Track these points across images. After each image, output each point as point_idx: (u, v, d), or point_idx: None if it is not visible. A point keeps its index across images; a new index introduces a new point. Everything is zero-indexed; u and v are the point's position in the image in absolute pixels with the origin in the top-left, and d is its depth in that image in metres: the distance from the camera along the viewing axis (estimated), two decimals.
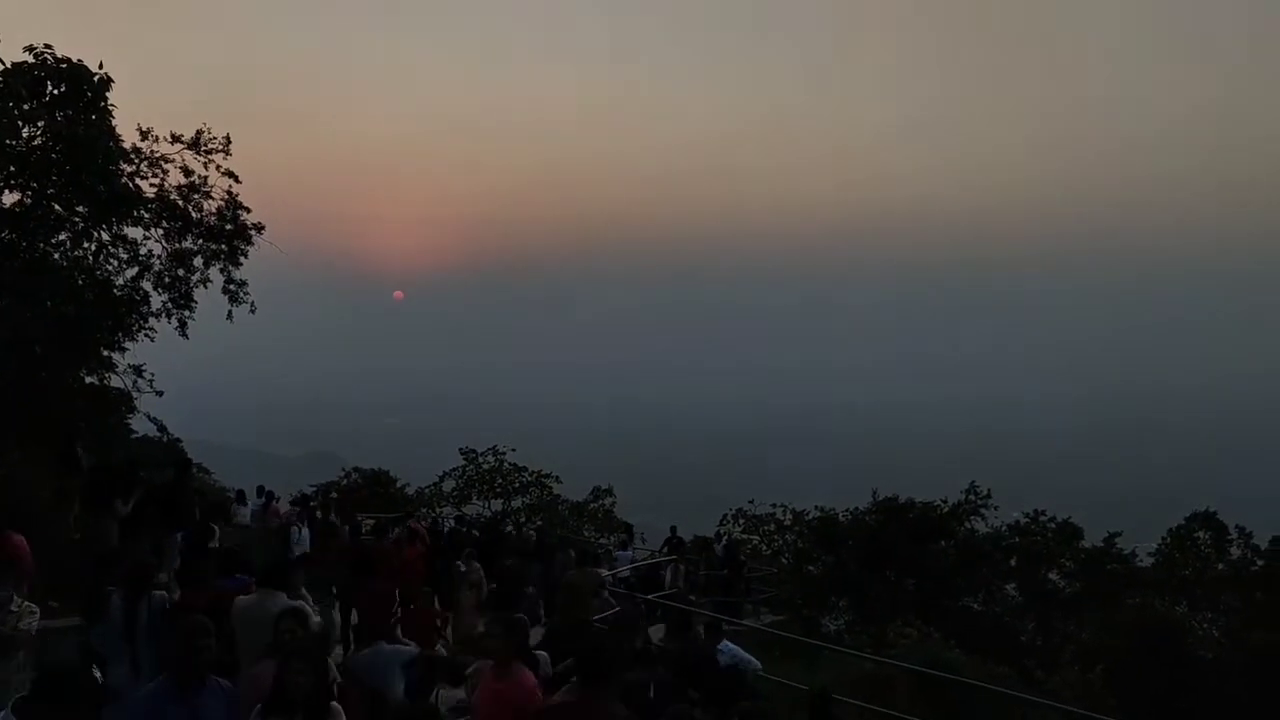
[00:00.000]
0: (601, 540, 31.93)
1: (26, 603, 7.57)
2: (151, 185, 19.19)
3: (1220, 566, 26.02)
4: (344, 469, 36.07)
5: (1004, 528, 27.91)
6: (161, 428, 22.42)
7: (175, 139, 19.38)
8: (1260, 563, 25.21)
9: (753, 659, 10.25)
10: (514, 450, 36.09)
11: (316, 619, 8.11)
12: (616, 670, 5.83)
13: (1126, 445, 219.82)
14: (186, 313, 20.13)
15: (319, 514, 20.83)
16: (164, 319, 19.94)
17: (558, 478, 36.23)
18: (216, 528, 14.20)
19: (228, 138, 19.70)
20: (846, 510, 28.49)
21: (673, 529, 25.41)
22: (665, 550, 23.85)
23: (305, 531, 18.84)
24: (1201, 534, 26.81)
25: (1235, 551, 26.10)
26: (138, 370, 19.93)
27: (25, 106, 17.15)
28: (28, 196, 17.59)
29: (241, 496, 22.85)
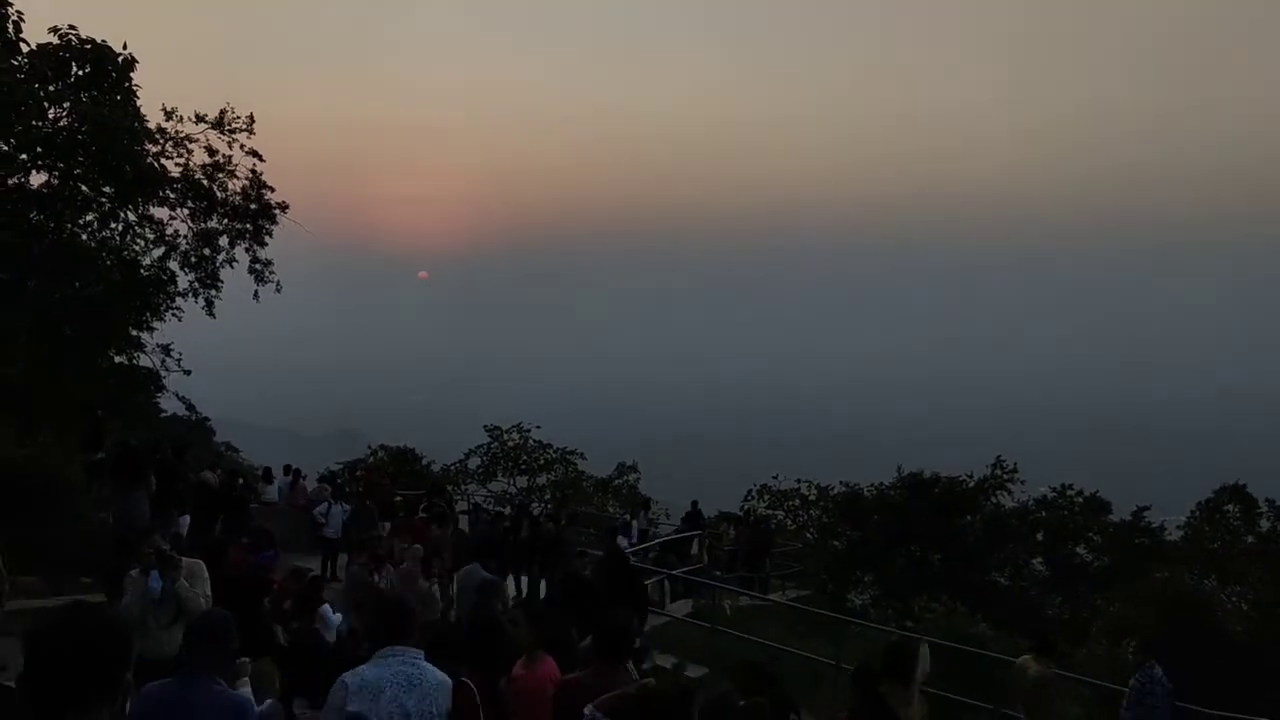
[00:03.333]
0: (625, 515, 32.02)
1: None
2: (176, 165, 19.35)
3: (1249, 539, 25.78)
4: (370, 446, 36.20)
5: (1031, 502, 27.70)
6: (190, 406, 22.63)
7: (199, 119, 19.47)
8: None
9: None
10: (539, 427, 36.13)
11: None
12: (631, 649, 5.90)
13: (1153, 422, 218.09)
14: (213, 292, 20.30)
15: (346, 490, 20.95)
16: (191, 299, 20.11)
17: (582, 454, 36.24)
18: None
19: (251, 117, 19.78)
20: (872, 485, 28.37)
21: (694, 503, 25.37)
22: (684, 523, 23.83)
23: (336, 508, 18.93)
24: (1230, 507, 26.55)
25: (1265, 524, 25.84)
26: (165, 350, 20.13)
27: (51, 88, 17.25)
28: (55, 177, 17.71)
29: (268, 474, 22.94)
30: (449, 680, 4.54)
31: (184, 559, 7.12)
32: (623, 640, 5.59)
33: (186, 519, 12.87)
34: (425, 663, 4.46)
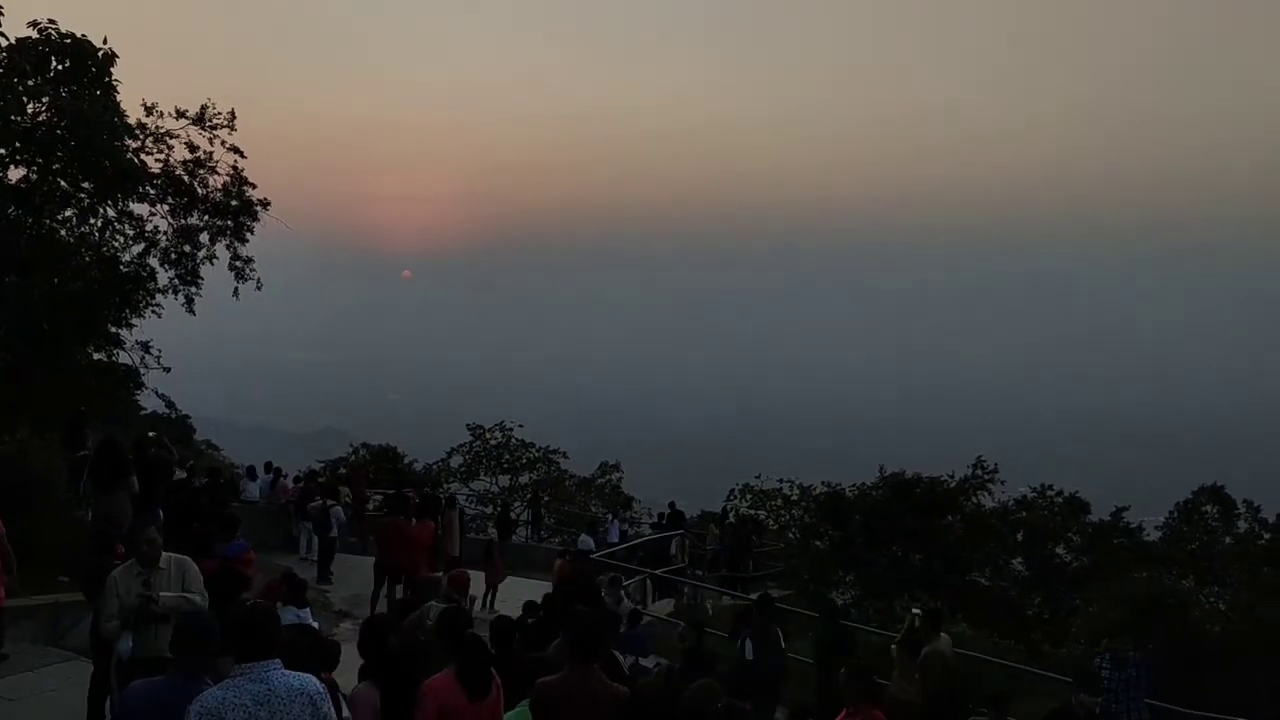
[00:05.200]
0: (607, 514, 32.09)
1: None
2: (157, 161, 19.14)
3: (1227, 540, 26.00)
4: (352, 445, 36.17)
5: (1011, 502, 27.84)
6: (170, 404, 22.50)
7: (180, 114, 19.32)
8: (1267, 536, 25.17)
9: None
10: (521, 426, 36.17)
11: None
12: (605, 648, 5.91)
13: (1135, 424, 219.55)
14: (193, 289, 20.11)
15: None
16: (171, 296, 19.95)
17: (564, 453, 36.30)
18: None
19: (232, 113, 19.62)
20: (853, 485, 28.47)
21: (671, 504, 25.42)
22: (665, 524, 23.88)
23: (338, 508, 19.00)
24: (1209, 508, 26.77)
25: (1242, 525, 26.06)
26: (145, 347, 19.95)
27: (30, 82, 17.09)
28: (33, 172, 17.55)
29: (251, 472, 22.92)
30: (311, 681, 4.29)
31: (172, 555, 7.05)
32: (595, 640, 5.63)
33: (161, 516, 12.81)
34: (279, 672, 4.20)
